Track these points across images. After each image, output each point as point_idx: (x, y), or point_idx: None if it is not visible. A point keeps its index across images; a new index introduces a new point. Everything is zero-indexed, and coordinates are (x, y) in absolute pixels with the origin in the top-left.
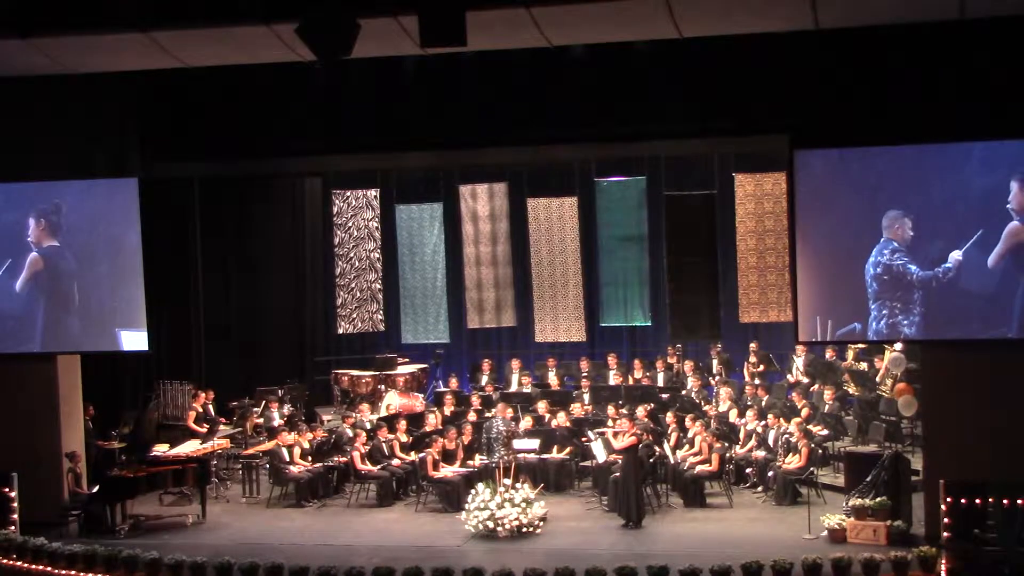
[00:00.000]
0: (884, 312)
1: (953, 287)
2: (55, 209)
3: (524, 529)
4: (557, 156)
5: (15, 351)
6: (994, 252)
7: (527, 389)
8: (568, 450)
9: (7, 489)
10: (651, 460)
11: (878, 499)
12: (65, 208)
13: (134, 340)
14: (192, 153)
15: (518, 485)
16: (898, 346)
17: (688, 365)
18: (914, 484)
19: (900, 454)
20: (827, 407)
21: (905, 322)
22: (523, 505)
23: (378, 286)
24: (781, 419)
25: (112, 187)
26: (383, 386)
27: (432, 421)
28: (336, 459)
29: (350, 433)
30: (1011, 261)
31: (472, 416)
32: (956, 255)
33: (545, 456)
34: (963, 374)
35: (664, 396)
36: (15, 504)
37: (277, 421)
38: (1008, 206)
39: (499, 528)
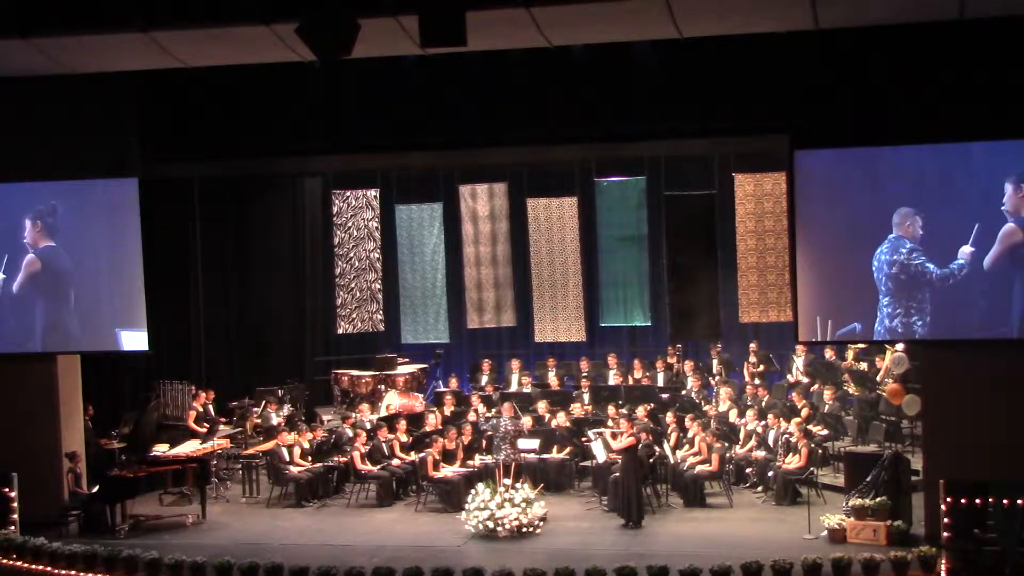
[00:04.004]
0: (899, 311)
1: (959, 287)
2: (51, 210)
3: (524, 529)
4: (557, 156)
5: (15, 351)
6: (990, 253)
7: (527, 389)
8: (568, 450)
9: (7, 489)
10: (651, 460)
11: (878, 499)
12: (61, 209)
13: (134, 340)
14: (192, 153)
15: (518, 485)
16: (900, 346)
17: (688, 365)
18: (914, 484)
19: (900, 454)
20: (827, 407)
21: (919, 322)
22: (523, 505)
23: (378, 286)
24: (781, 419)
25: (112, 187)
26: (383, 386)
27: (432, 421)
28: (336, 459)
29: (350, 433)
30: (1008, 262)
31: (472, 416)
32: (967, 249)
33: (545, 456)
34: (963, 374)
35: (664, 396)
36: (15, 504)
37: (275, 421)
38: (1003, 207)
39: (499, 528)
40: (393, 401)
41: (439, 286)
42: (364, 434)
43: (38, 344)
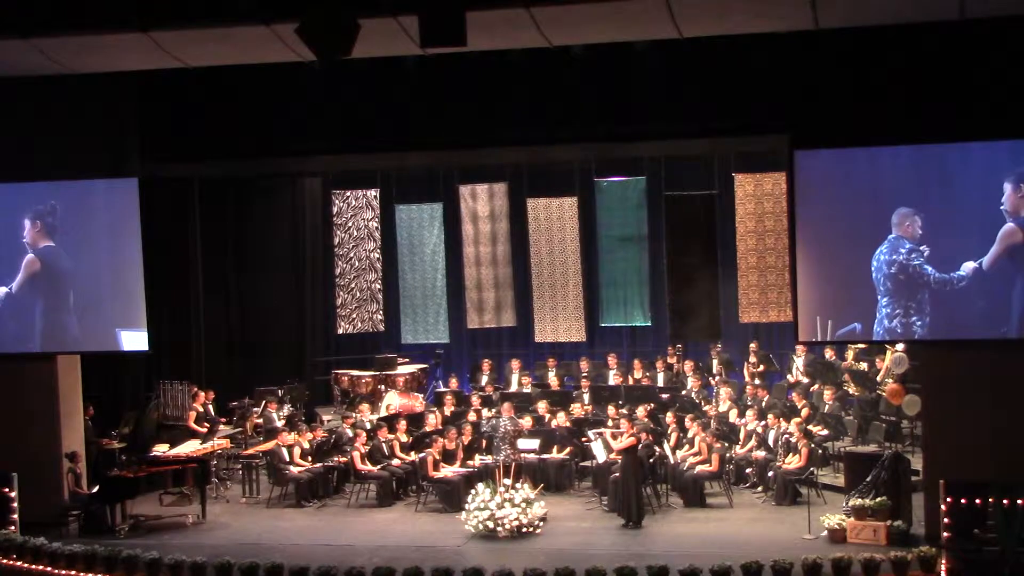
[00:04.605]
0: (898, 311)
1: (958, 291)
2: (51, 210)
3: (524, 529)
4: (557, 156)
5: (15, 351)
6: (989, 253)
7: (527, 389)
8: (568, 450)
9: (7, 489)
10: (651, 460)
11: (878, 499)
12: (61, 209)
13: (134, 340)
14: (192, 153)
15: (518, 485)
16: (900, 345)
17: (688, 365)
18: (914, 484)
19: (900, 454)
20: (827, 407)
21: (919, 323)
22: (523, 505)
23: (378, 286)
24: (781, 419)
25: (112, 187)
26: (383, 386)
27: (432, 421)
28: (336, 459)
29: (350, 433)
30: (1007, 262)
31: (472, 416)
32: (970, 264)
33: (545, 456)
34: (963, 374)
35: (664, 396)
36: (15, 504)
37: (278, 423)
38: (1002, 207)
39: (499, 528)
40: (393, 401)
41: (439, 286)
42: (364, 434)
43: (37, 344)
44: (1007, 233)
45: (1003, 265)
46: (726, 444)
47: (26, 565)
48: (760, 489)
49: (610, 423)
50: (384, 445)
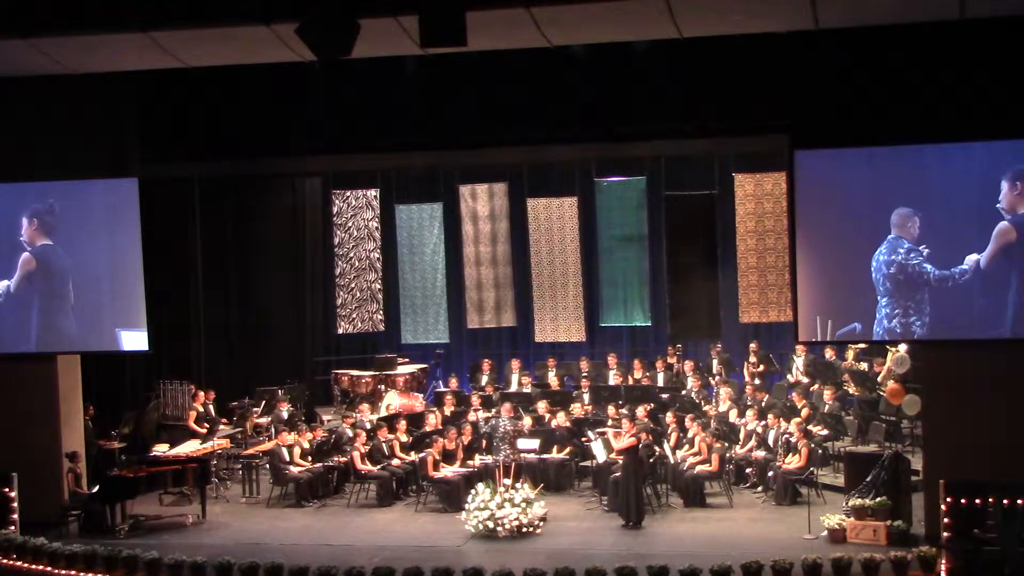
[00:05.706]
0: (897, 311)
1: (958, 288)
2: (48, 209)
3: (524, 529)
4: (557, 156)
5: (12, 351)
6: (986, 252)
7: (527, 389)
8: (568, 450)
9: (7, 489)
10: (651, 460)
11: (878, 499)
12: (59, 208)
13: (134, 340)
14: (192, 153)
15: (518, 485)
16: (902, 345)
17: (688, 365)
18: (914, 484)
19: (900, 454)
20: (827, 407)
21: (918, 323)
22: (523, 505)
23: (378, 286)
24: (781, 419)
25: (112, 187)
26: (383, 386)
27: (432, 421)
28: (336, 459)
29: (350, 433)
30: (1002, 260)
31: (472, 416)
32: (973, 257)
33: (545, 456)
34: (963, 374)
35: (664, 396)
36: (15, 504)
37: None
38: (998, 205)
39: (499, 528)
40: (393, 401)
41: (439, 286)
42: (364, 434)
43: (33, 344)
44: (1002, 231)
45: (999, 263)
46: (726, 444)
47: (26, 565)
48: (760, 489)
49: (610, 423)
50: (384, 445)
